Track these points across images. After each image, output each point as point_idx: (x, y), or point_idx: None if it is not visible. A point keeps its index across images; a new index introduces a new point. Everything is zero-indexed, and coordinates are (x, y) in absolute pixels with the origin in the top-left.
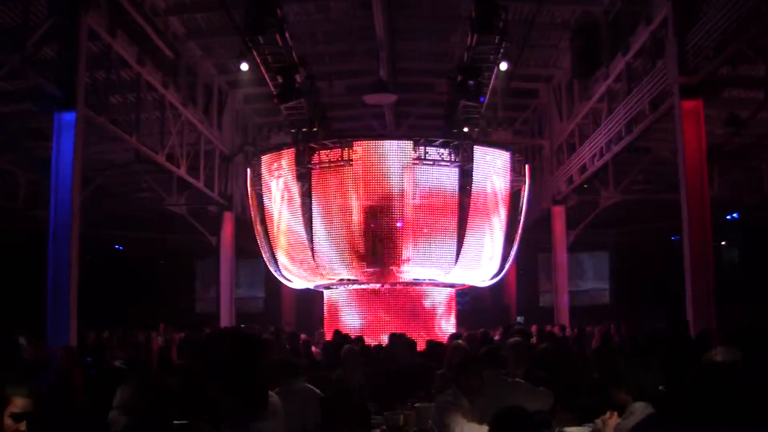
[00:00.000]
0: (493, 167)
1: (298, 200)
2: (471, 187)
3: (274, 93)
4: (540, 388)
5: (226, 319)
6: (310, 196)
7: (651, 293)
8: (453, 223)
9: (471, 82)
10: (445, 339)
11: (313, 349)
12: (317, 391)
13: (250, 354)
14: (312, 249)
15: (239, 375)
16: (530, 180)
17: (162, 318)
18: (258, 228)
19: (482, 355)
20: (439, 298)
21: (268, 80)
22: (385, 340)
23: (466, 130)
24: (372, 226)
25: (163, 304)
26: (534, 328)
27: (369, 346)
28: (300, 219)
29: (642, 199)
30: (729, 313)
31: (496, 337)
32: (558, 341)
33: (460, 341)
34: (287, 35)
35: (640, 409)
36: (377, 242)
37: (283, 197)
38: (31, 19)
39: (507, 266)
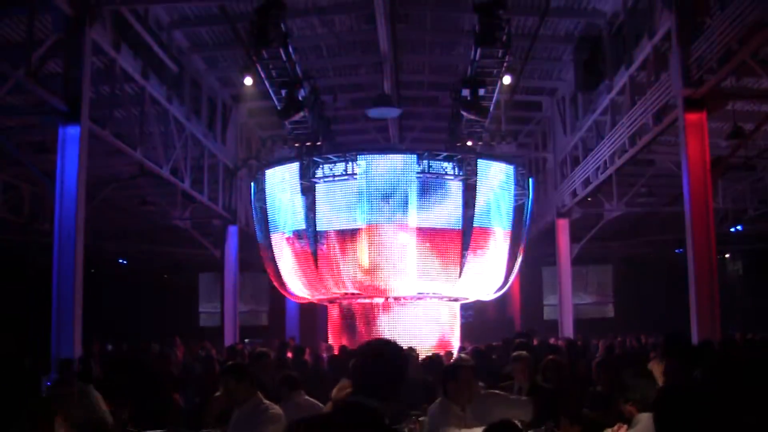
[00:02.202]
0: (497, 181)
1: (302, 214)
2: (475, 200)
3: (278, 107)
4: (522, 397)
5: (230, 333)
6: (314, 210)
7: (655, 306)
8: (457, 237)
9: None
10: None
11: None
12: (318, 403)
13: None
14: (316, 263)
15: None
16: (534, 193)
17: (170, 331)
18: (262, 242)
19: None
20: (443, 312)
21: (272, 94)
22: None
23: (469, 143)
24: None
25: (166, 318)
26: (535, 342)
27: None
28: (304, 233)
29: (646, 211)
30: (733, 325)
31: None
32: (563, 354)
33: (464, 354)
34: (291, 49)
35: (645, 420)
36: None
37: (287, 211)
38: (35, 34)
39: (511, 280)
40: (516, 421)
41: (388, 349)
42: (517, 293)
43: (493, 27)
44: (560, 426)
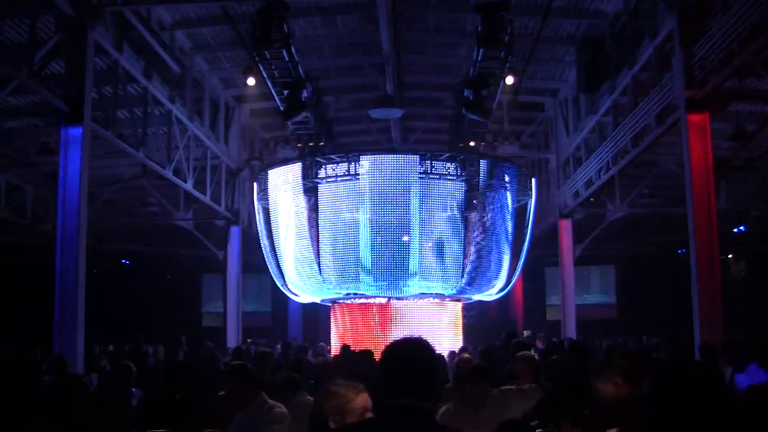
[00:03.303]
0: (499, 181)
1: (304, 214)
2: (477, 201)
3: (281, 108)
4: (525, 386)
5: (232, 334)
6: (316, 211)
7: (658, 307)
8: (459, 237)
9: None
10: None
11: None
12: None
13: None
14: (318, 263)
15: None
16: (536, 194)
17: (173, 332)
18: (265, 242)
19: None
20: (445, 313)
21: (275, 95)
22: None
23: (472, 144)
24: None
25: (169, 319)
26: (539, 343)
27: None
28: (306, 233)
29: (648, 212)
30: (736, 326)
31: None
32: (567, 353)
33: (466, 354)
34: (293, 50)
35: None
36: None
37: (289, 211)
38: (38, 35)
39: (514, 280)
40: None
41: (421, 348)
42: (519, 294)
43: (495, 28)
44: (562, 427)
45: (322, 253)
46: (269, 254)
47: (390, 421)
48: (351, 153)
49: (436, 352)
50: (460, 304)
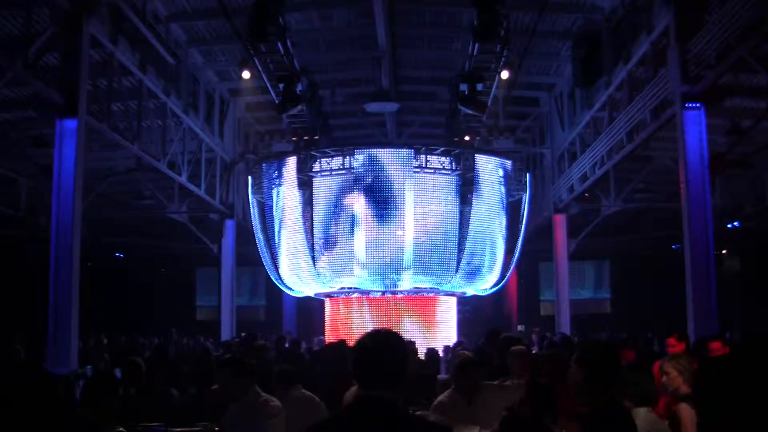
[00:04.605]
0: (494, 176)
1: (299, 208)
2: (472, 195)
3: (276, 101)
4: (507, 382)
5: (227, 328)
6: (311, 204)
7: (652, 302)
8: (454, 232)
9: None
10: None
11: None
12: (315, 398)
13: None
14: (313, 257)
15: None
16: (531, 188)
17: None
18: (259, 236)
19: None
20: (440, 307)
21: (270, 88)
22: None
23: (467, 138)
24: None
25: (163, 312)
26: (534, 338)
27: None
28: (301, 227)
29: (643, 207)
30: (730, 321)
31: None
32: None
33: (466, 352)
34: (289, 43)
35: (642, 415)
36: None
37: (284, 205)
38: (33, 27)
39: (508, 275)
40: None
41: (391, 338)
42: (514, 289)
43: (491, 22)
44: (558, 422)
45: (316, 246)
46: (264, 248)
47: (356, 412)
48: (346, 147)
49: (431, 346)
50: (454, 299)
